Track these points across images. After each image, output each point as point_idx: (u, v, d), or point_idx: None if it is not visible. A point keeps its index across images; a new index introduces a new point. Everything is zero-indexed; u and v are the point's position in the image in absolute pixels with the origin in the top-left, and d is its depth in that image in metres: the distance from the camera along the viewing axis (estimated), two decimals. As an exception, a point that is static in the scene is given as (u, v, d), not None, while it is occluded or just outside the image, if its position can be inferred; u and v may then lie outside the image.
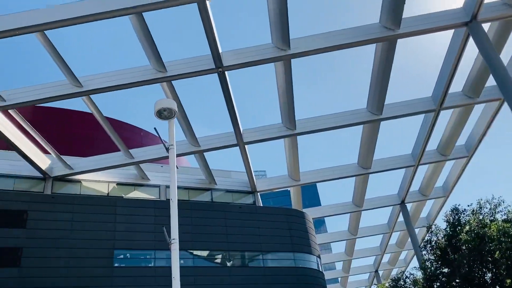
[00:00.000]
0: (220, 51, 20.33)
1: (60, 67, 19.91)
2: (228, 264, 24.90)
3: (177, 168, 10.90)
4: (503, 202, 24.69)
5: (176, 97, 22.72)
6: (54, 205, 22.88)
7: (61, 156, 27.27)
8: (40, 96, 21.09)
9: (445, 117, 29.86)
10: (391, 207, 41.40)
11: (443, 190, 38.95)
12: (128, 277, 22.12)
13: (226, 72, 21.40)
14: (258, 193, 33.16)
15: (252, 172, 30.99)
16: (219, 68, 20.58)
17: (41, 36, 18.26)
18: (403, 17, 20.21)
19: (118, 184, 29.41)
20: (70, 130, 37.41)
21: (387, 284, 32.50)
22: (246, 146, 27.58)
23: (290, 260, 26.65)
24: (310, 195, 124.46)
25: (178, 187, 30.76)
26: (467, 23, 20.13)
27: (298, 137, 27.48)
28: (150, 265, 23.07)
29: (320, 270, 28.38)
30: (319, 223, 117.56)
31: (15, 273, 20.15)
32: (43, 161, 26.70)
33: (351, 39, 20.56)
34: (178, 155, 27.01)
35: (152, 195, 29.90)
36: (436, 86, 25.51)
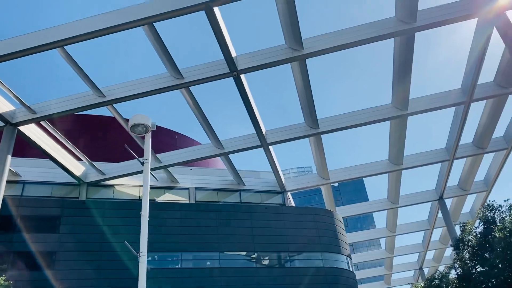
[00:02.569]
0: (234, 54, 20.52)
1: (83, 80, 20.86)
2: (255, 265, 25.09)
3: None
4: (535, 200, 23.23)
5: (195, 102, 23.21)
6: (85, 211, 24.01)
7: (93, 162, 28.65)
8: (68, 107, 22.19)
9: (480, 108, 28.52)
10: (430, 203, 40.11)
11: (484, 184, 37.13)
12: (155, 279, 22.83)
13: (242, 75, 21.60)
14: (288, 193, 33.15)
15: (280, 171, 30.99)
16: (234, 72, 20.75)
17: (62, 51, 19.22)
18: (419, 9, 19.57)
19: (152, 187, 30.35)
20: (105, 135, 38.98)
21: (422, 284, 31.44)
22: (270, 146, 27.66)
23: (318, 260, 26.47)
24: (358, 190, 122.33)
25: (207, 189, 31.48)
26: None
27: (329, 136, 27.12)
28: (177, 266, 23.71)
29: (350, 270, 27.96)
30: (367, 218, 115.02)
31: (50, 276, 21.39)
32: (77, 168, 28.05)
33: (367, 35, 20.08)
34: (205, 158, 27.62)
35: (182, 197, 30.65)
36: (465, 77, 24.40)
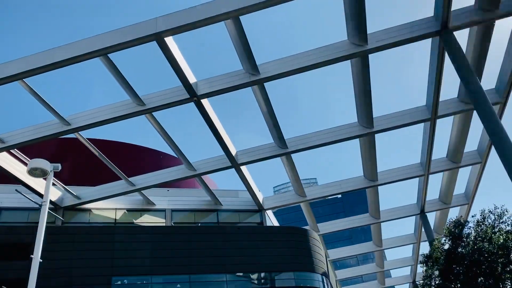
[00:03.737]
0: (194, 80, 20.97)
1: (47, 109, 21.35)
2: (226, 286, 25.17)
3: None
4: (507, 211, 23.43)
5: (160, 127, 23.67)
6: (56, 236, 24.29)
7: (69, 186, 29.08)
8: (35, 136, 22.66)
9: (450, 123, 28.73)
10: (415, 216, 40.13)
11: (465, 197, 37.13)
12: (125, 303, 23.04)
13: (204, 100, 22.03)
14: (266, 211, 33.33)
15: (256, 190, 31.24)
16: (194, 97, 21.18)
17: (23, 83, 19.76)
18: (373, 31, 20.02)
19: (127, 210, 30.72)
20: (85, 159, 39.39)
21: None
22: (243, 166, 27.96)
23: (291, 279, 26.50)
24: (361, 200, 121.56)
25: (184, 210, 31.72)
26: (439, 32, 19.47)
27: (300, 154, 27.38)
28: (147, 290, 23.88)
29: (325, 288, 27.97)
30: (365, 231, 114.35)
31: (18, 303, 21.62)
32: (53, 192, 28.45)
33: (320, 59, 20.49)
34: (177, 180, 27.92)
35: (159, 219, 30.90)
36: (428, 94, 24.71)
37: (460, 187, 36.23)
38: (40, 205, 10.62)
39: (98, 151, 25.13)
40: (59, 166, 10.87)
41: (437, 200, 37.43)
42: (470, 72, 18.36)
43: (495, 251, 20.54)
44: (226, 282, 25.32)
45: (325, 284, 28.40)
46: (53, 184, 28.05)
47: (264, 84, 21.46)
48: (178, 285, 24.60)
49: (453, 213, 41.85)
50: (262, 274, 26.15)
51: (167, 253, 25.17)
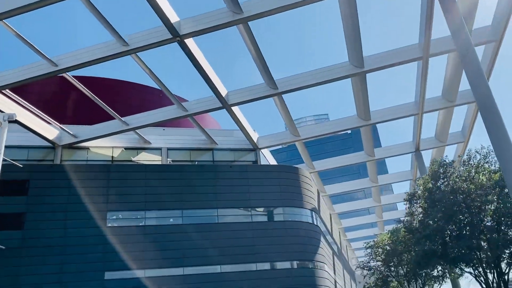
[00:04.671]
0: (177, 19, 20.63)
1: (34, 51, 21.40)
2: (217, 220, 26.43)
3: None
4: (492, 151, 23.58)
5: (147, 68, 23.69)
6: (52, 174, 25.39)
7: (68, 125, 29.83)
8: (22, 77, 22.92)
9: (445, 61, 28.10)
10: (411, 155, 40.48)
11: (462, 134, 37.15)
12: (121, 236, 24.49)
13: (189, 39, 21.77)
14: (261, 150, 33.94)
15: (250, 130, 31.65)
16: (177, 37, 20.94)
17: (4, 24, 19.68)
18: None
19: (124, 148, 31.59)
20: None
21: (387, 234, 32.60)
22: (234, 107, 28.12)
23: (279, 214, 27.66)
24: (374, 137, 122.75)
25: (180, 149, 32.52)
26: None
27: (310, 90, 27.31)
28: (141, 224, 25.22)
29: (314, 223, 29.15)
30: (380, 164, 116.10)
31: (19, 235, 23.19)
32: (51, 131, 29.22)
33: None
34: (169, 120, 28.39)
35: (156, 158, 31.80)
36: (420, 32, 24.01)
37: (457, 125, 36.13)
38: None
39: (87, 90, 25.46)
40: (14, 115, 11.20)
41: (434, 138, 37.55)
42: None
43: (473, 191, 20.98)
44: (218, 217, 26.53)
45: (314, 218, 29.57)
46: (48, 123, 28.78)
47: (255, 26, 21.01)
48: (171, 219, 25.90)
49: (450, 151, 42.07)
50: (252, 210, 27.21)
51: (161, 190, 26.23)
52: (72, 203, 24.80)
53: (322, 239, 29.74)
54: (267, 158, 36.99)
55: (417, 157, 37.80)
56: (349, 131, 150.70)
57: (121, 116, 29.53)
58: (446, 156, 26.02)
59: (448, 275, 28.21)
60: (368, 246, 35.18)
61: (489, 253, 21.15)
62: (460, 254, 21.07)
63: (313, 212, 29.64)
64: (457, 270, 23.55)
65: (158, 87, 26.71)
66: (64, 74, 23.97)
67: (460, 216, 21.38)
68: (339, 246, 45.00)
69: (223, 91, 26.61)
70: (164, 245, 24.89)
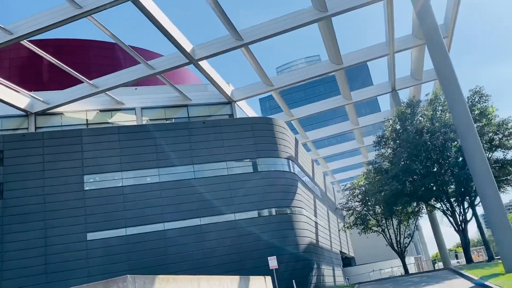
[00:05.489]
0: (128, -23, 20.02)
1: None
2: (193, 176, 26.99)
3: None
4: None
5: (104, 28, 23.25)
6: (26, 143, 25.56)
7: (39, 92, 29.69)
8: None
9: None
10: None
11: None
12: (99, 198, 25.13)
13: (144, -3, 21.21)
14: (236, 103, 34.00)
15: (222, 83, 31.55)
16: (130, -5, 20.40)
17: None
18: None
19: (100, 111, 31.60)
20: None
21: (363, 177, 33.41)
22: (202, 62, 27.83)
23: (255, 165, 28.20)
24: (363, 76, 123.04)
25: (154, 107, 32.57)
26: None
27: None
28: (119, 184, 25.76)
29: (291, 171, 29.81)
30: (371, 103, 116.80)
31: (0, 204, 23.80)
32: (22, 100, 29.07)
33: None
34: (137, 79, 28.22)
35: (130, 117, 31.90)
36: (383, -29, 23.37)
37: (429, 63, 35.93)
38: None
39: (46, 54, 25.13)
40: None
41: (409, 77, 37.54)
42: None
43: (437, 129, 21.38)
44: (194, 172, 27.07)
45: (291, 166, 30.20)
46: (17, 91, 28.58)
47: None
48: (148, 178, 26.44)
49: (428, 89, 42.16)
50: (227, 163, 27.72)
51: (135, 150, 26.54)
52: (48, 170, 25.16)
53: (299, 185, 30.53)
54: (245, 110, 37.14)
55: (394, 97, 37.94)
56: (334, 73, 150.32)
57: (97, 77, 29.35)
58: (414, 96, 26.16)
59: (422, 211, 29.31)
60: (346, 188, 36.22)
61: (454, 187, 21.92)
62: (427, 191, 21.84)
63: (290, 161, 30.21)
64: (427, 206, 24.49)
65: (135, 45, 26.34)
66: (22, 42, 23.52)
67: (425, 155, 21.91)
68: (324, 189, 46.22)
69: (188, 47, 26.26)
70: (143, 203, 25.58)
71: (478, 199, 23.21)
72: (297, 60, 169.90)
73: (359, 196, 31.83)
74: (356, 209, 33.45)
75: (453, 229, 24.02)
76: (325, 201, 43.87)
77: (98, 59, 42.10)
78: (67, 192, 24.94)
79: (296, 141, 34.57)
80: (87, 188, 25.34)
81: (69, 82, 31.72)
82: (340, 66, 31.42)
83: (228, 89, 33.03)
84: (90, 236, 24.40)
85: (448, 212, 23.59)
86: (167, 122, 31.86)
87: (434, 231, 36.62)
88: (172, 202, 26.02)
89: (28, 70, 37.08)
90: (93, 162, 25.86)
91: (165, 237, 25.29)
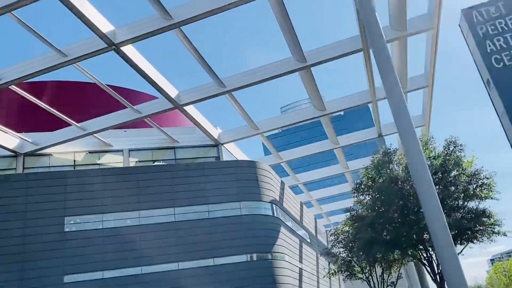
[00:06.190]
0: (111, 28, 21.06)
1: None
2: (174, 219, 27.14)
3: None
4: (433, 137, 24.28)
5: (93, 77, 24.21)
6: (11, 184, 26.05)
7: (29, 133, 30.49)
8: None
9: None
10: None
11: (422, 118, 37.72)
12: (78, 240, 25.28)
13: (128, 46, 22.23)
14: (223, 145, 34.59)
15: (209, 127, 32.24)
16: (112, 45, 21.40)
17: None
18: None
19: (86, 152, 32.23)
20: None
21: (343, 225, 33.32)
22: (187, 107, 28.64)
23: (237, 209, 28.36)
24: (361, 116, 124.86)
25: (141, 149, 33.13)
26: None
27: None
28: (99, 227, 25.96)
29: (274, 215, 29.92)
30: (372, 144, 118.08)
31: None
32: (11, 140, 29.81)
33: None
34: (124, 123, 28.95)
35: (118, 160, 32.45)
36: (358, 24, 24.42)
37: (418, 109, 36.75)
38: None
39: (31, 97, 26.09)
40: None
41: (393, 123, 38.06)
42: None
43: (410, 178, 21.64)
44: (175, 215, 27.27)
45: (274, 210, 30.33)
46: (5, 132, 29.36)
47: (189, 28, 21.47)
48: (128, 221, 26.64)
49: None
50: (209, 206, 27.92)
51: (117, 192, 26.91)
52: (30, 211, 25.49)
53: (283, 229, 30.52)
54: (233, 152, 37.66)
55: (381, 142, 38.37)
56: (341, 113, 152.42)
57: (90, 116, 30.17)
58: (391, 144, 26.81)
59: (407, 259, 29.04)
60: (331, 233, 36.09)
61: (429, 236, 21.90)
62: (403, 240, 21.87)
63: (273, 204, 30.38)
64: (403, 256, 24.41)
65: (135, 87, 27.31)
66: (10, 87, 24.45)
67: (401, 203, 22.10)
68: (314, 232, 45.95)
69: (173, 92, 27.12)
70: (122, 246, 25.67)
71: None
72: (301, 100, 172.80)
73: (343, 242, 31.71)
74: (341, 255, 33.21)
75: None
76: (314, 246, 43.51)
77: (91, 99, 43.12)
78: (47, 234, 25.13)
79: (282, 184, 34.83)
80: (67, 230, 25.55)
81: (60, 123, 32.58)
82: (324, 113, 32.14)
83: (215, 132, 33.70)
84: (67, 278, 24.38)
85: (425, 261, 23.46)
86: (150, 164, 32.36)
87: (421, 280, 36.14)
88: (151, 245, 26.07)
89: (18, 111, 38.07)
90: (75, 204, 26.20)
91: (142, 281, 25.18)
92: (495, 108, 24.48)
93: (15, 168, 30.12)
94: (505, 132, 23.25)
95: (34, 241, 24.82)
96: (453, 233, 20.28)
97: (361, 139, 38.94)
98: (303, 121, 33.15)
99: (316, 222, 49.53)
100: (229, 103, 29.74)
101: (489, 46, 24.14)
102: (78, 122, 29.26)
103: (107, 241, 25.63)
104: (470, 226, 21.12)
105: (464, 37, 27.06)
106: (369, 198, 25.14)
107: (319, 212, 56.62)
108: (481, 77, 25.59)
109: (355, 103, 32.17)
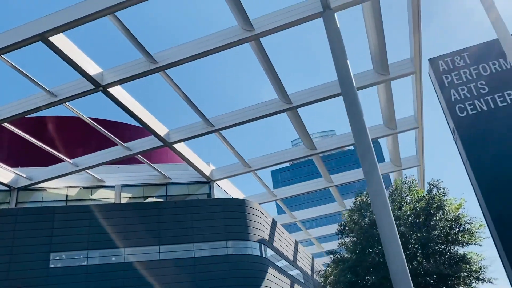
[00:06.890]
0: (99, 70, 21.97)
1: (-32, 105, 22.80)
2: (159, 257, 27.16)
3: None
4: (416, 181, 24.24)
5: (81, 114, 24.96)
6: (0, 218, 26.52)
7: (23, 168, 31.16)
8: None
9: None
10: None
11: (416, 159, 37.69)
12: (63, 276, 25.36)
13: (116, 87, 23.05)
14: (215, 182, 34.85)
15: (200, 164, 32.64)
16: (100, 87, 22.21)
17: None
18: (259, 16, 20.42)
19: (78, 187, 32.74)
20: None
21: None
22: (176, 144, 29.15)
23: (224, 248, 28.29)
24: (347, 157, 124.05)
25: (133, 186, 33.51)
26: (321, 13, 19.70)
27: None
28: (83, 263, 26.07)
29: (262, 255, 29.71)
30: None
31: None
32: (6, 174, 30.51)
33: (215, 44, 21.04)
34: (115, 160, 29.48)
35: (109, 195, 32.86)
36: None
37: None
38: None
39: (25, 135, 26.78)
40: None
41: (390, 163, 38.15)
42: (342, 56, 18.75)
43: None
44: (159, 254, 27.28)
45: (263, 250, 30.14)
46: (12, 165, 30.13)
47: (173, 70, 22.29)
48: (113, 258, 26.71)
49: (412, 173, 42.52)
50: (195, 245, 27.92)
51: (103, 229, 27.13)
52: (17, 246, 25.79)
53: (271, 270, 30.21)
54: (227, 188, 37.83)
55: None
56: (352, 147, 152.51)
57: (84, 151, 30.88)
58: (367, 193, 26.94)
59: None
60: (320, 275, 35.59)
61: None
62: (381, 284, 21.54)
63: (262, 244, 30.22)
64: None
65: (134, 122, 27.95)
66: (4, 124, 25.30)
67: (380, 247, 21.89)
68: (310, 271, 45.21)
69: (162, 131, 27.73)
70: (106, 283, 25.65)
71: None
72: (313, 134, 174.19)
73: (330, 285, 31.20)
74: (330, 296, 32.58)
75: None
76: (310, 286, 42.73)
77: (87, 134, 44.02)
78: (32, 269, 25.31)
79: (274, 222, 34.72)
80: (52, 266, 25.70)
81: (54, 158, 33.33)
82: (314, 152, 32.39)
83: (208, 169, 34.06)
84: (48, 316, 24.34)
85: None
86: (137, 202, 32.66)
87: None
88: (135, 283, 26.02)
89: (13, 146, 39.07)
90: (61, 240, 26.46)
91: (124, 320, 25.01)
92: (461, 156, 24.51)
93: (9, 203, 30.67)
94: (470, 181, 23.19)
95: (18, 276, 24.98)
96: (432, 279, 19.97)
97: (355, 179, 38.82)
98: (292, 159, 33.39)
99: (313, 261, 48.80)
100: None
101: (453, 95, 24.40)
102: (79, 155, 30.03)
103: (92, 278, 25.67)
104: (449, 273, 20.73)
105: (432, 84, 27.46)
106: (351, 241, 24.98)
107: (320, 250, 55.86)
108: (448, 125, 25.78)
109: (345, 143, 32.41)
